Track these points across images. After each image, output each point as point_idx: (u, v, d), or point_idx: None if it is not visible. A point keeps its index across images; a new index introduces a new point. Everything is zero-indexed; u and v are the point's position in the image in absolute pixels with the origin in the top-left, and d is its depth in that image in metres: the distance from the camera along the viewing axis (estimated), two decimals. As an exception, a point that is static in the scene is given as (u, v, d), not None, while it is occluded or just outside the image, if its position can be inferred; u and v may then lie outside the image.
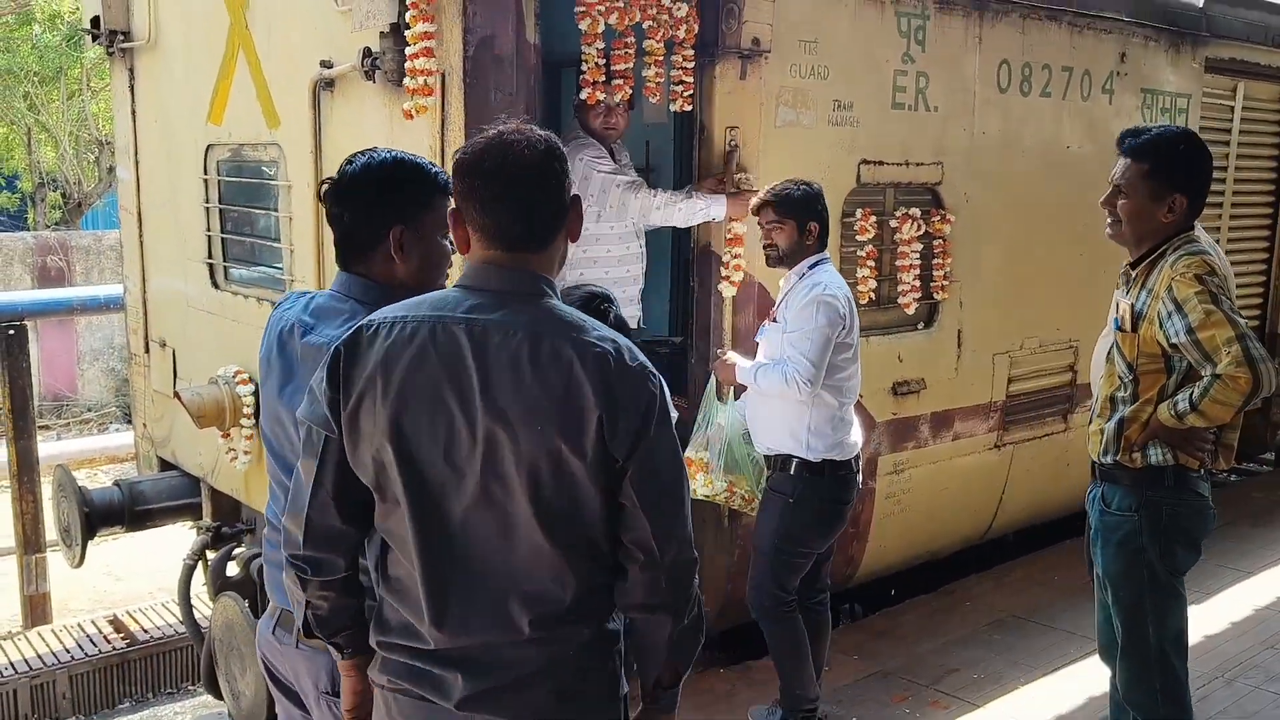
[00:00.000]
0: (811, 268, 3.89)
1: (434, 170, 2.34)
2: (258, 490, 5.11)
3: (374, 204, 2.28)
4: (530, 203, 1.90)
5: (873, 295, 4.93)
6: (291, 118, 4.54)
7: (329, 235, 4.42)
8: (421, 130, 3.76)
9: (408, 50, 3.53)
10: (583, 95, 4.06)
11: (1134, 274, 3.20)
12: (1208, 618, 5.10)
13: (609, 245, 4.43)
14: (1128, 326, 3.15)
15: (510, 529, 1.86)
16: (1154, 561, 3.14)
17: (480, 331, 1.85)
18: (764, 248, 3.96)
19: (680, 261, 5.22)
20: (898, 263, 5.02)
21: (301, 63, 4.37)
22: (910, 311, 5.10)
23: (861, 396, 4.99)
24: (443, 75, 3.65)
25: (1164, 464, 3.12)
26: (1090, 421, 3.36)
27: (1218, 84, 6.77)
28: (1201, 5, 6.27)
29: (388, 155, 2.32)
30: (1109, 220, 3.21)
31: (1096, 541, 3.28)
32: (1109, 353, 3.27)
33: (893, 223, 4.99)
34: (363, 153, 2.34)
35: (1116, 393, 3.22)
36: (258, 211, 5.05)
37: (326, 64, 4.21)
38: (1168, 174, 3.07)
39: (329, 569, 2.00)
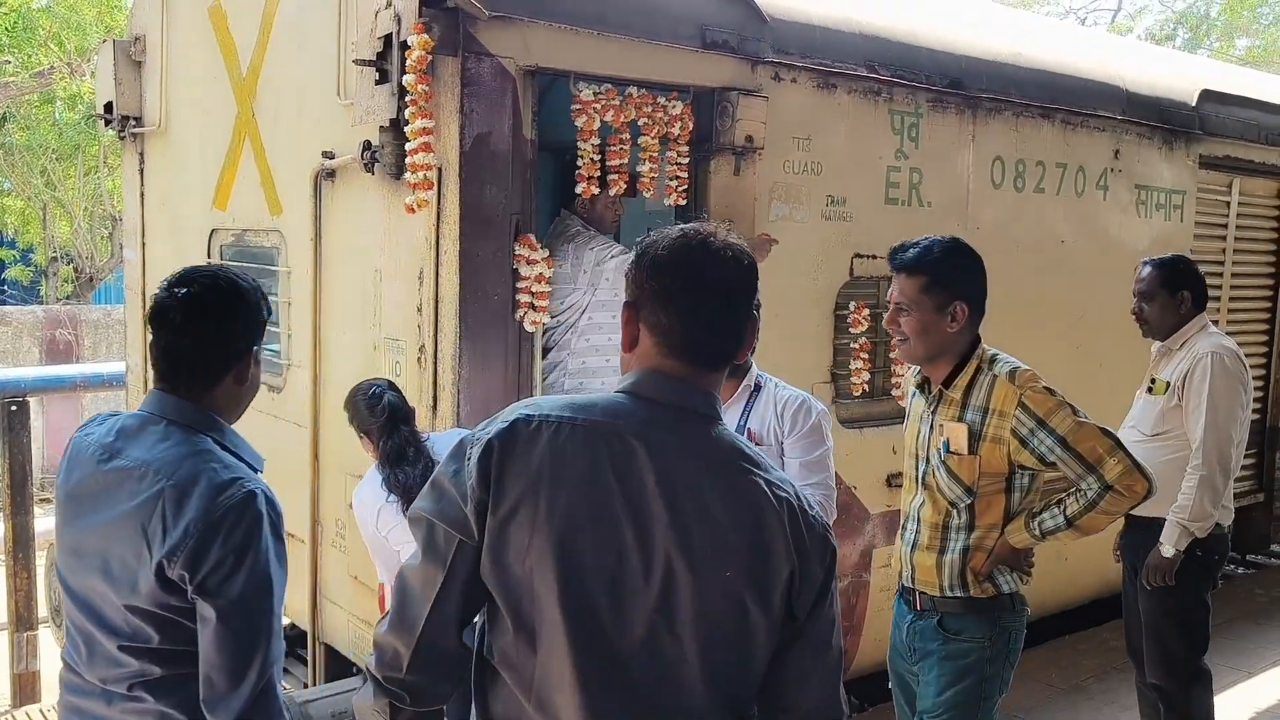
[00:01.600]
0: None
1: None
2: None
3: (237, 327, 2.15)
4: (726, 319, 1.74)
5: (866, 387, 4.95)
6: (293, 206, 4.62)
7: (326, 320, 4.50)
8: (418, 222, 3.82)
9: (408, 145, 3.61)
10: (578, 190, 4.13)
11: (947, 393, 3.06)
12: (1208, 719, 5.01)
13: (610, 334, 4.46)
14: (962, 449, 2.99)
15: (671, 680, 1.63)
16: (994, 690, 3.06)
17: (661, 450, 1.65)
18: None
19: None
20: (891, 355, 5.04)
21: (304, 153, 4.46)
22: (904, 404, 5.10)
23: (855, 489, 5.00)
24: (439, 169, 3.72)
25: (1012, 590, 3.05)
26: (911, 549, 3.16)
27: (1213, 180, 6.85)
28: (1194, 104, 6.38)
29: (235, 275, 2.18)
30: (897, 340, 3.13)
31: (932, 669, 3.11)
32: (923, 478, 3.13)
33: (886, 315, 5.01)
34: (198, 272, 2.18)
35: (949, 520, 3.06)
36: (258, 296, 5.11)
37: (328, 155, 4.29)
38: (945, 283, 3.01)
39: (432, 697, 1.74)
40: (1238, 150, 6.77)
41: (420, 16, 3.60)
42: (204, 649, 2.02)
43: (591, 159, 4.06)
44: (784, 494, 1.69)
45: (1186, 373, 4.04)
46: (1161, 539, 3.95)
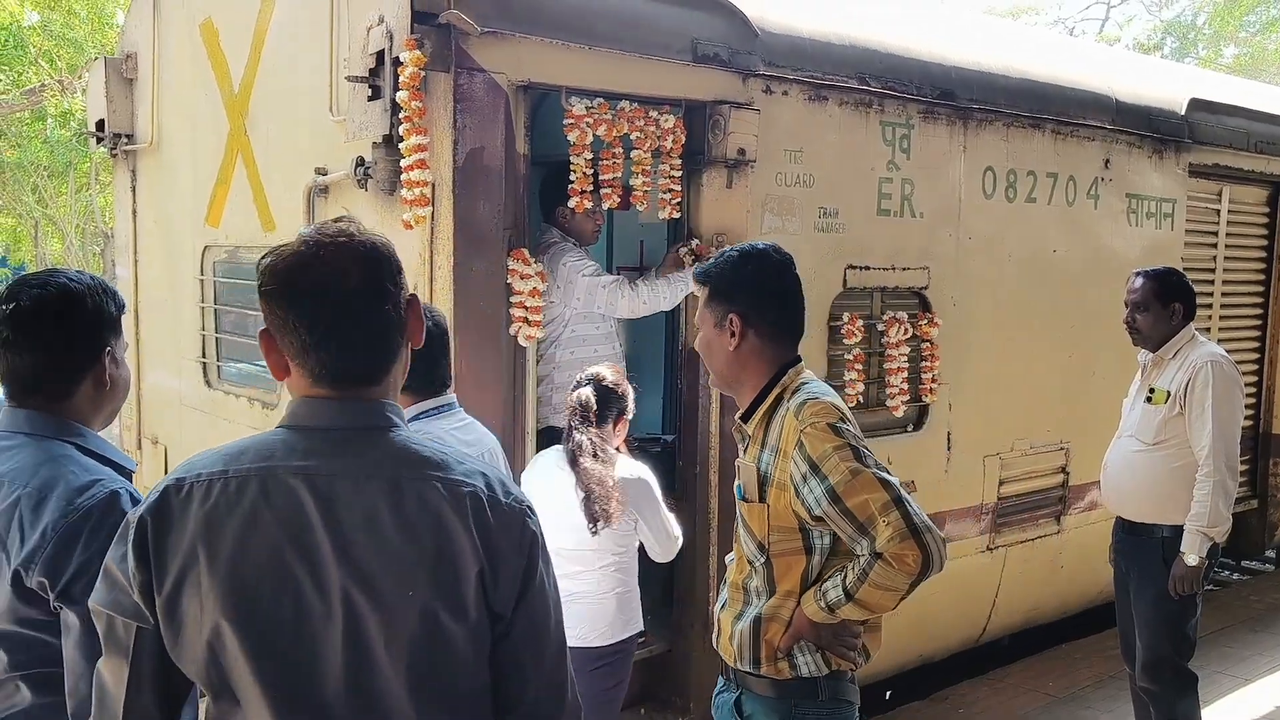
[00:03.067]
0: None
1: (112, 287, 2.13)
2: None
3: (78, 332, 2.05)
4: (362, 332, 1.59)
5: (861, 398, 4.95)
6: (286, 222, 4.61)
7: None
8: (413, 239, 3.82)
9: (403, 162, 3.61)
10: (571, 204, 4.13)
11: (745, 427, 2.60)
12: (1206, 727, 5.01)
13: (595, 346, 4.47)
14: (753, 495, 2.54)
15: (380, 715, 1.54)
16: None
17: (325, 482, 1.54)
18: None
19: (674, 358, 5.29)
20: (886, 365, 5.05)
21: (297, 169, 4.46)
22: (899, 414, 5.12)
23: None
24: (433, 185, 3.72)
25: (816, 674, 2.52)
26: (720, 607, 2.72)
27: (1203, 188, 6.88)
28: (1183, 113, 6.41)
29: (69, 278, 2.06)
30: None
31: None
32: (736, 529, 2.67)
33: (880, 326, 5.03)
34: (26, 283, 2.05)
35: (748, 580, 2.58)
36: (251, 312, 5.10)
37: (321, 171, 4.29)
38: (721, 293, 2.53)
39: None
40: (1227, 158, 6.80)
41: (412, 33, 3.61)
42: (68, 661, 1.87)
43: (584, 173, 4.07)
44: (468, 488, 1.59)
45: (1187, 382, 4.11)
46: (1183, 548, 4.02)
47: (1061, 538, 6.04)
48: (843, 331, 4.88)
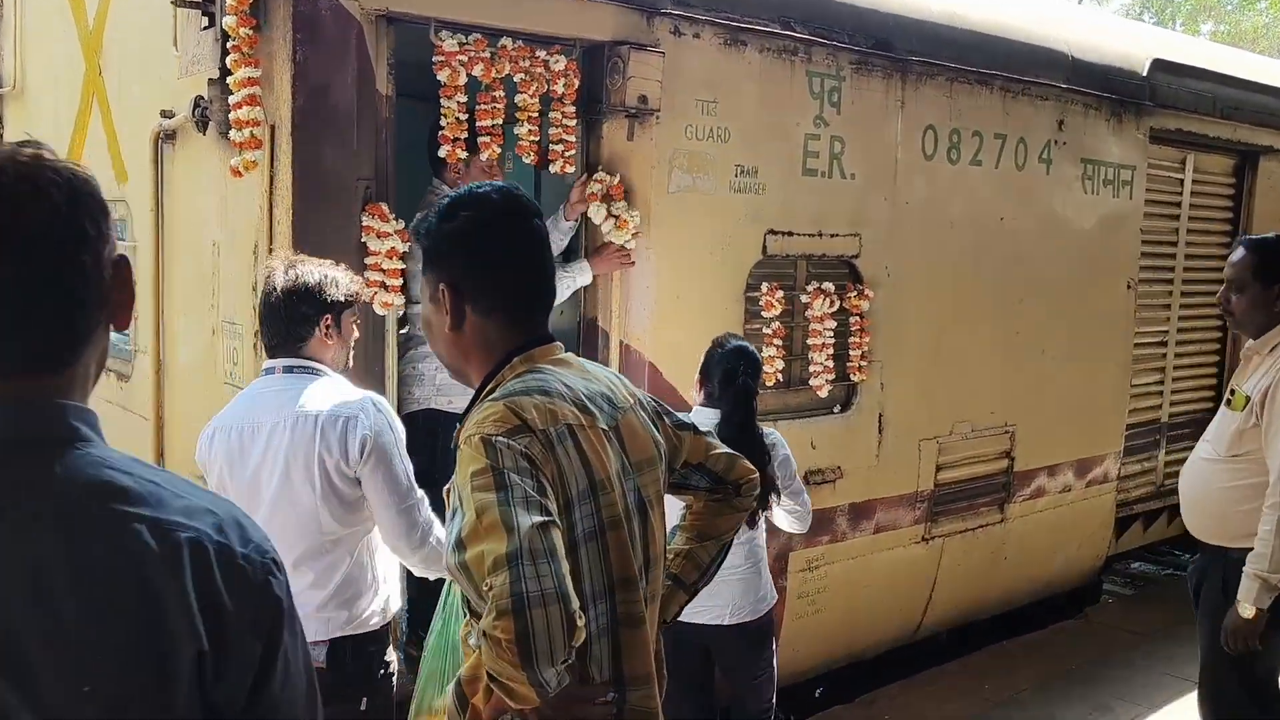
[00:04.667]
0: None
1: None
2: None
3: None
4: (41, 290, 1.12)
5: (781, 377, 4.51)
6: (137, 173, 4.13)
7: (169, 300, 4.02)
8: (252, 189, 3.34)
9: (231, 99, 3.13)
10: (441, 153, 3.65)
11: (464, 430, 1.90)
12: (1149, 736, 4.64)
13: None
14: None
15: None
16: None
17: None
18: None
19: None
20: (809, 341, 4.61)
21: (146, 113, 3.97)
22: (823, 394, 4.68)
23: (769, 487, 4.57)
24: (271, 127, 3.24)
25: None
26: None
27: (1165, 155, 6.46)
28: (1145, 74, 5.97)
29: None
30: None
31: None
32: None
33: (804, 298, 4.59)
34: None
35: (469, 635, 1.83)
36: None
37: (167, 114, 3.80)
38: (432, 257, 1.84)
39: None
40: (1191, 124, 6.37)
41: (245, -51, 3.12)
42: None
43: (456, 118, 3.58)
44: (187, 533, 1.11)
45: (1269, 387, 3.31)
46: (1239, 596, 3.25)
47: (1005, 527, 5.64)
48: (761, 303, 4.43)
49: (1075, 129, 5.64)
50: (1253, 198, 7.14)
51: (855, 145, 4.67)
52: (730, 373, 3.49)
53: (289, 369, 2.77)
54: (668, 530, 1.95)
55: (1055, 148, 5.56)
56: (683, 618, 3.15)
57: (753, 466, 2.14)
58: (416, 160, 4.07)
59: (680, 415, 2.06)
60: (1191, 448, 7.38)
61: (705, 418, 3.46)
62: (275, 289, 2.73)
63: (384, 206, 3.41)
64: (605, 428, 1.72)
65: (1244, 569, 3.23)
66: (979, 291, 5.30)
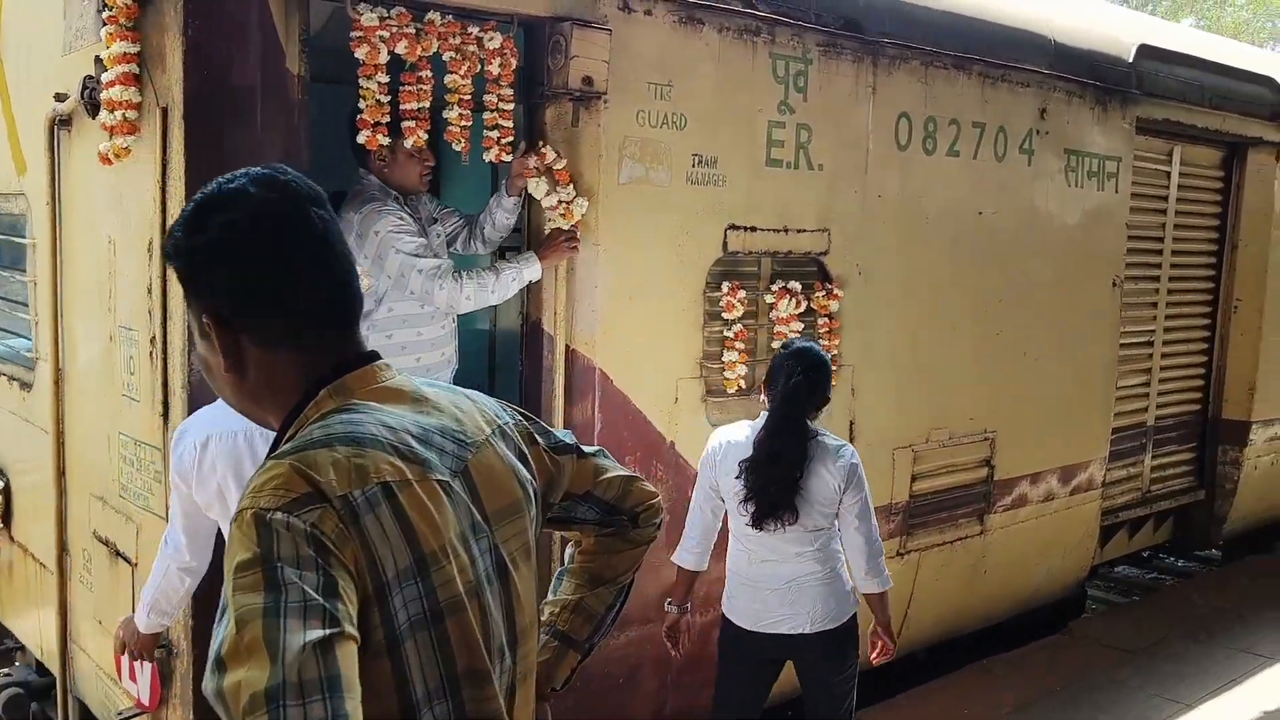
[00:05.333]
0: None
1: None
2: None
3: None
4: None
5: (743, 383, 4.18)
6: (35, 162, 3.76)
7: (68, 303, 3.66)
8: (145, 179, 2.99)
9: (104, 76, 2.78)
10: (360, 139, 3.29)
11: None
12: (1138, 766, 4.34)
13: (420, 327, 3.65)
14: None
15: None
16: None
17: None
18: None
19: (492, 338, 4.56)
20: (774, 345, 4.28)
21: (41, 97, 3.60)
22: (790, 401, 4.35)
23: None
24: (164, 110, 2.88)
25: None
26: None
27: (1152, 147, 6.17)
28: (1131, 60, 5.67)
29: None
30: None
31: None
32: None
33: (768, 298, 4.26)
34: None
35: None
36: (8, 274, 4.25)
37: (60, 97, 3.44)
38: (188, 281, 1.38)
39: None
40: (1179, 114, 6.07)
41: (128, -92, 2.76)
42: None
43: (377, 100, 3.23)
44: None
45: None
46: None
47: (985, 539, 5.33)
48: (722, 304, 4.10)
49: (1058, 118, 5.33)
50: (1241, 191, 6.87)
51: (823, 134, 4.34)
52: (784, 373, 3.34)
53: None
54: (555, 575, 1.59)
55: (1037, 138, 5.24)
56: (758, 627, 3.41)
57: (652, 490, 1.77)
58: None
59: (559, 434, 1.65)
60: (1178, 453, 7.15)
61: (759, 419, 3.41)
62: None
63: (294, 198, 3.05)
64: (442, 478, 1.31)
65: None
66: (957, 290, 4.98)
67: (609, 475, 1.69)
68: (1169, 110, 5.99)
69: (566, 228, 3.65)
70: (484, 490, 1.38)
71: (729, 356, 4.11)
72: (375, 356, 1.41)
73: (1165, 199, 6.41)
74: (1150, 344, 6.51)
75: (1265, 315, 6.89)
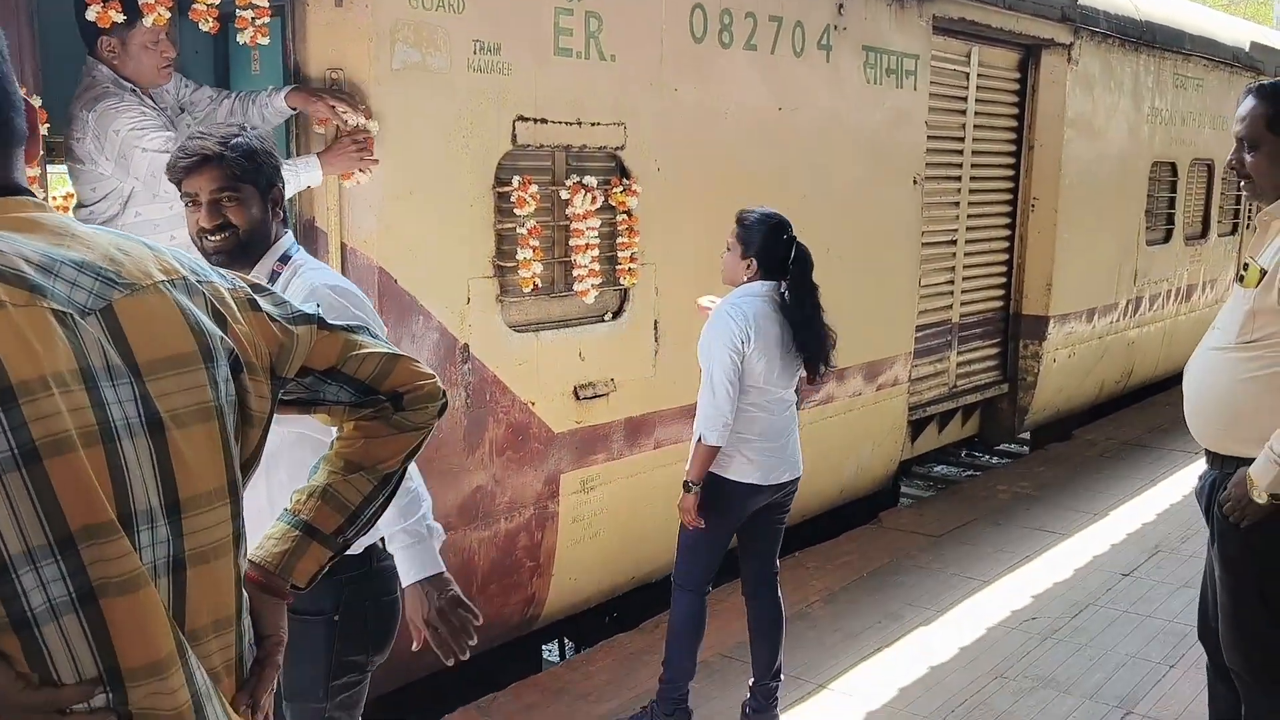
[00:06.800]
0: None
1: None
2: None
3: None
4: None
5: (539, 281, 4.07)
6: None
7: None
8: None
9: None
10: (90, 15, 2.99)
11: None
12: (939, 641, 4.50)
13: (172, 230, 3.32)
14: None
15: None
16: None
17: None
18: None
19: None
20: (571, 242, 4.18)
21: None
22: (589, 300, 4.27)
23: (533, 405, 4.16)
24: None
25: None
26: None
27: (950, 47, 6.27)
28: (926, -43, 5.71)
29: None
30: None
31: None
32: None
33: (563, 194, 4.14)
34: None
35: None
36: None
37: None
38: None
39: None
40: (975, 13, 6.18)
41: None
42: None
43: (107, -30, 2.94)
44: None
45: None
46: (1251, 471, 2.72)
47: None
48: (513, 200, 3.96)
49: (855, 14, 5.33)
50: (1036, 92, 7.07)
51: (615, 23, 4.21)
52: (773, 237, 3.67)
53: None
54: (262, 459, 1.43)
55: (835, 33, 5.24)
56: (769, 480, 3.71)
57: (426, 371, 1.59)
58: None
59: (301, 305, 1.48)
60: (982, 348, 7.42)
61: (761, 290, 3.63)
62: None
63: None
64: (59, 308, 1.15)
65: (1264, 450, 2.69)
66: (758, 188, 4.94)
67: (363, 351, 1.51)
68: (965, 9, 6.08)
69: (354, 126, 3.39)
70: (133, 335, 1.21)
71: (523, 255, 3.98)
72: (19, 188, 1.23)
73: (965, 99, 6.54)
74: (953, 243, 6.68)
75: (1060, 214, 7.16)
